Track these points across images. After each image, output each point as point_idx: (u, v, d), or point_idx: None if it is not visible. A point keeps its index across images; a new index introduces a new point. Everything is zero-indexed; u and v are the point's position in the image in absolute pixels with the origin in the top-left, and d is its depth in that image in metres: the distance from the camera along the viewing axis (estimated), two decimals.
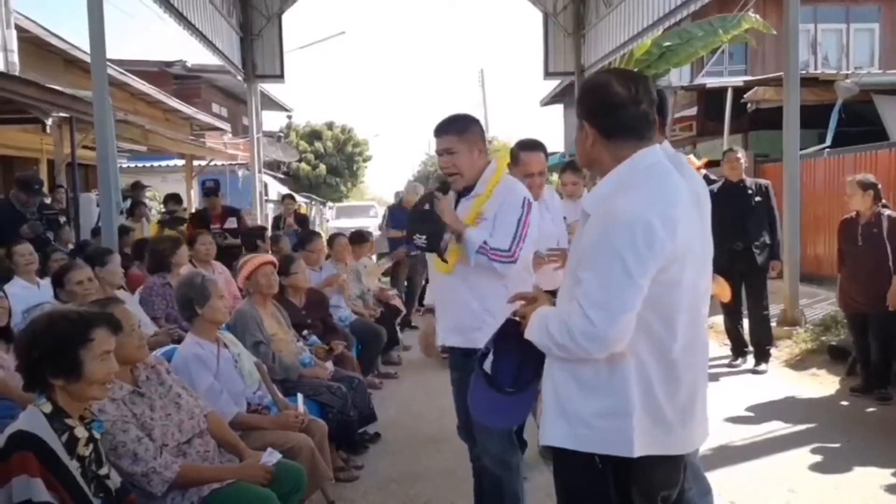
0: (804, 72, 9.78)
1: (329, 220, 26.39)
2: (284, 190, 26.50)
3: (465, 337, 2.89)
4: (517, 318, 1.97)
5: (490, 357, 2.07)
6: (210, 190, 8.14)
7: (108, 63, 6.36)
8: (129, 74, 12.30)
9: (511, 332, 2.00)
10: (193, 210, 9.94)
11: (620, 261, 1.69)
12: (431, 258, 2.95)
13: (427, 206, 2.98)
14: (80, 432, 2.18)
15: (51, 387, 2.17)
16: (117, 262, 4.53)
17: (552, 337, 1.78)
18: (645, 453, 1.78)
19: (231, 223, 7.57)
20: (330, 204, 31.47)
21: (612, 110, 1.83)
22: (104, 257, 4.44)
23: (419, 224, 2.89)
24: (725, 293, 4.09)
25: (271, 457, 2.82)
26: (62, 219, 7.46)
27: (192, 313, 3.36)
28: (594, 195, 1.88)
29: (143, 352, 2.75)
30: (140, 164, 16.02)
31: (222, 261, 5.91)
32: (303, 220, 10.31)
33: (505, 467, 2.93)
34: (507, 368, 2.06)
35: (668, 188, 1.79)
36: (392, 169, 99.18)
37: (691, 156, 9.65)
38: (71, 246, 6.67)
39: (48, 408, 2.15)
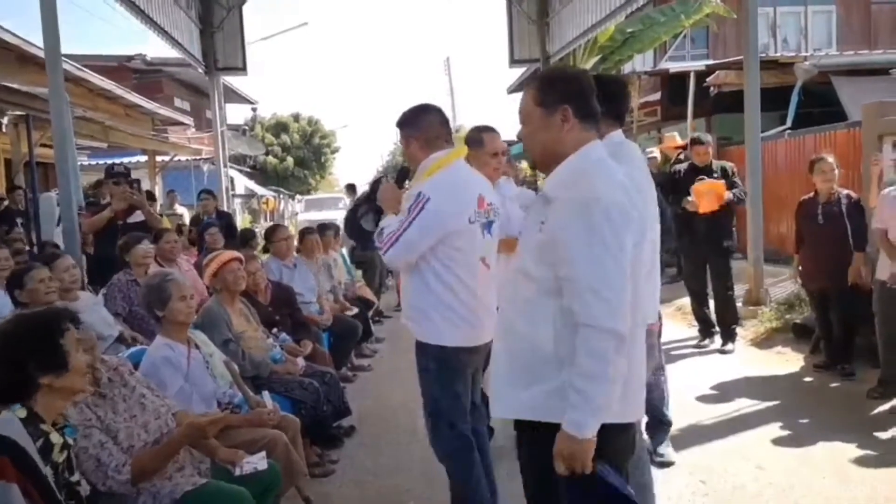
0: (764, 55, 9.92)
1: (298, 212, 26.18)
2: (251, 184, 26.31)
3: (408, 322, 2.98)
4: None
5: None
6: (119, 174, 6.38)
7: (63, 58, 6.20)
8: (86, 70, 11.98)
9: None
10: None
11: (610, 255, 1.78)
12: None
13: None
14: (55, 438, 2.15)
15: (34, 390, 2.12)
16: (68, 262, 4.33)
17: (591, 387, 1.77)
18: (610, 421, 1.85)
19: (137, 216, 6.15)
20: (298, 197, 31.22)
21: (588, 95, 1.97)
22: (53, 260, 4.27)
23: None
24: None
25: (261, 461, 2.79)
26: (19, 220, 7.28)
27: (156, 316, 3.31)
28: (556, 181, 1.95)
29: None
30: (101, 162, 15.70)
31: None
32: (225, 217, 8.66)
33: (449, 461, 2.98)
34: None
35: (619, 176, 1.93)
36: (361, 160, 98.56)
37: (675, 134, 9.79)
38: (27, 248, 6.52)
39: (23, 413, 2.10)
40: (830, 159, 5.35)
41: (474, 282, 2.84)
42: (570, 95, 1.94)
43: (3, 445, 2.02)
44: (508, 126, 4.00)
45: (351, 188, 14.56)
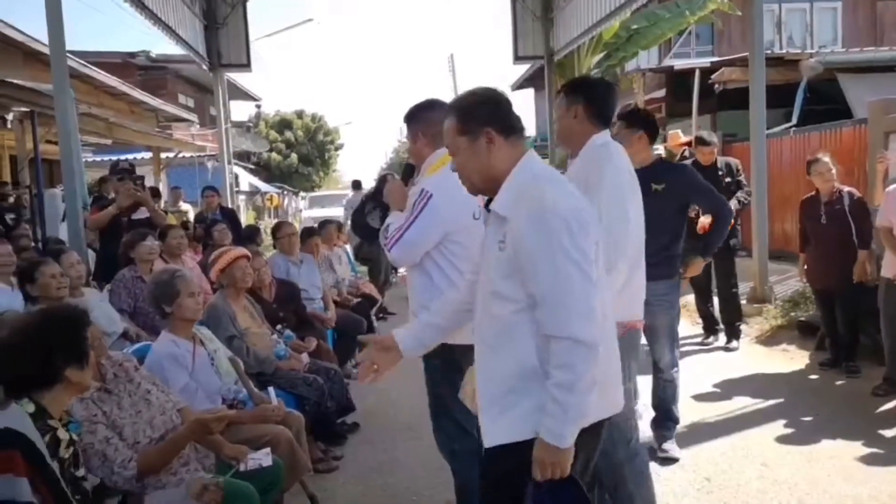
0: (769, 52, 9.91)
1: (302, 209, 26.20)
2: (255, 181, 26.34)
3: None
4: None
5: None
6: (123, 171, 6.40)
7: (68, 55, 6.20)
8: (91, 66, 12.01)
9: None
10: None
11: (573, 264, 1.76)
12: None
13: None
14: (62, 434, 2.16)
15: (56, 382, 2.14)
16: (73, 258, 4.36)
17: (567, 398, 1.76)
18: (592, 421, 1.90)
19: (141, 212, 6.09)
20: (303, 194, 31.26)
21: (507, 111, 1.98)
22: (59, 256, 4.28)
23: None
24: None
25: (266, 458, 2.80)
26: (11, 216, 7.28)
27: (163, 312, 3.32)
28: (506, 199, 1.92)
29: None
30: (106, 158, 15.73)
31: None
32: (229, 213, 8.52)
33: (453, 458, 2.98)
34: None
35: (567, 185, 1.96)
36: (365, 156, 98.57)
37: (678, 131, 9.78)
38: (32, 244, 6.53)
39: (31, 408, 2.11)
40: (826, 159, 5.30)
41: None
42: (489, 117, 1.94)
43: (14, 439, 2.02)
44: None
45: (357, 185, 14.57)
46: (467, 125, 1.94)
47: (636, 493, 2.84)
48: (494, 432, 1.90)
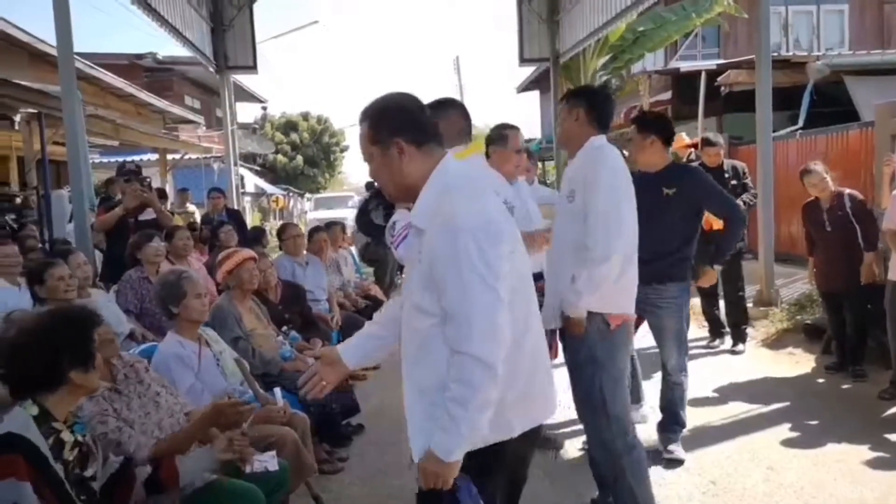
0: (776, 54, 9.87)
1: (307, 211, 26.26)
2: (261, 182, 26.40)
3: None
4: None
5: None
6: (130, 172, 6.47)
7: (75, 56, 6.24)
8: (98, 68, 12.07)
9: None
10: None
11: (479, 281, 1.73)
12: None
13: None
14: (67, 436, 2.15)
15: (61, 384, 2.14)
16: (80, 258, 4.41)
17: (460, 413, 1.75)
18: (521, 431, 1.91)
19: (148, 213, 6.10)
20: (308, 195, 31.32)
21: (417, 120, 1.90)
22: (66, 257, 4.32)
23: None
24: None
25: (272, 461, 2.80)
26: (11, 217, 7.31)
27: (170, 313, 3.33)
28: (421, 210, 1.89)
29: None
30: (112, 160, 15.80)
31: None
32: (235, 215, 8.83)
33: None
34: None
35: (483, 191, 1.90)
36: None
37: (683, 133, 9.77)
38: (39, 245, 6.57)
39: (34, 410, 2.11)
40: (818, 168, 5.28)
41: None
42: (398, 127, 1.88)
43: (16, 442, 2.03)
44: (519, 124, 4.10)
45: (371, 186, 14.59)
46: (378, 135, 1.89)
47: (636, 487, 2.85)
48: (421, 446, 1.88)
